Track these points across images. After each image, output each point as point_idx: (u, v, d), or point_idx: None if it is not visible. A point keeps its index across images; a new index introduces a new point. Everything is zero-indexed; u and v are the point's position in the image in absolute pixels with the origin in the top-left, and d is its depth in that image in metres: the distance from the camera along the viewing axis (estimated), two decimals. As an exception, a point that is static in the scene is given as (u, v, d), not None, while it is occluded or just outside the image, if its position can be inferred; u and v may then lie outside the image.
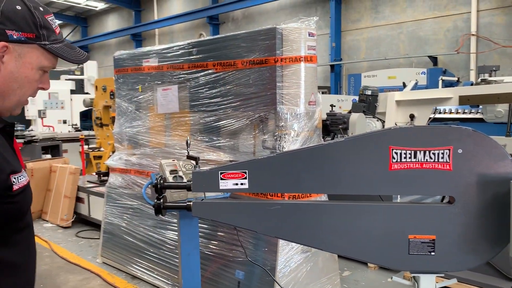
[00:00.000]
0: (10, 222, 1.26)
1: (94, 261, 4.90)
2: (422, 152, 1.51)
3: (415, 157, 1.51)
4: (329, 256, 3.46)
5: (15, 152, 1.34)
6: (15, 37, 1.23)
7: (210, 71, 3.62)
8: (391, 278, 1.70)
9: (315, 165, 1.53)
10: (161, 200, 1.73)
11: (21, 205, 1.29)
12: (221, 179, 1.60)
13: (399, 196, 4.21)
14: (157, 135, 4.27)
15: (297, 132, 3.16)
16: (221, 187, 1.60)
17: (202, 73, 3.69)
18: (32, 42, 1.27)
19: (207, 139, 3.72)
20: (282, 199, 2.97)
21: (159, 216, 1.94)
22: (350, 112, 5.45)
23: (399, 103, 5.48)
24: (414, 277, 1.61)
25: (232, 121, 3.52)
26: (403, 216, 1.57)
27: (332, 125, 4.67)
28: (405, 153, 1.51)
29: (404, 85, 8.70)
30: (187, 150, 1.81)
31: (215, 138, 3.66)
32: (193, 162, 1.81)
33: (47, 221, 6.66)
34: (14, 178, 1.23)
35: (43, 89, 1.37)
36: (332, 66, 15.23)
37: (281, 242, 3.14)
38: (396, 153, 1.52)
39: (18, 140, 8.58)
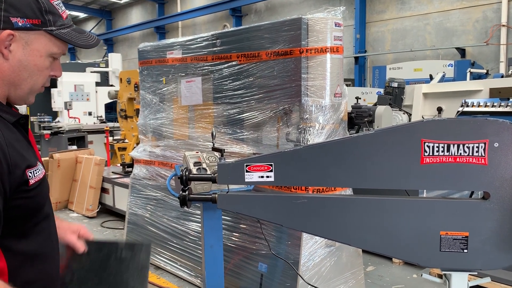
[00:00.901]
0: (29, 215, 1.26)
1: (118, 251, 4.96)
2: (456, 145, 1.45)
3: (448, 150, 1.45)
4: (353, 251, 3.42)
5: (31, 145, 1.33)
6: (20, 24, 1.20)
7: (233, 63, 3.59)
8: (421, 275, 1.65)
9: (344, 158, 1.49)
10: (186, 192, 1.72)
11: (38, 199, 1.28)
12: (247, 171, 1.57)
13: (425, 191, 4.12)
14: (180, 127, 4.28)
15: (322, 125, 3.11)
16: (246, 180, 1.57)
17: (225, 65, 3.66)
18: (38, 29, 1.23)
19: (230, 132, 3.71)
20: (306, 193, 2.93)
21: (184, 208, 1.93)
22: (375, 104, 5.36)
23: (426, 96, 5.35)
24: (445, 274, 1.56)
25: (256, 114, 3.49)
26: (435, 211, 1.52)
27: (357, 118, 4.59)
28: (438, 147, 1.46)
29: (431, 78, 8.50)
30: (213, 142, 1.78)
31: (238, 131, 3.64)
32: (217, 154, 1.79)
33: (73, 210, 6.79)
34: (30, 172, 1.22)
35: (55, 76, 1.35)
36: (356, 58, 15.02)
37: (304, 236, 3.11)
38: (428, 146, 1.47)
39: (45, 131, 8.77)
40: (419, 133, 1.48)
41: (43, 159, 1.73)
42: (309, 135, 3.11)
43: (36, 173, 1.25)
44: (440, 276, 1.67)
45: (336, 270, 3.30)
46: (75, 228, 1.51)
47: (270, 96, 3.34)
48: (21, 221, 1.23)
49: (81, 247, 1.45)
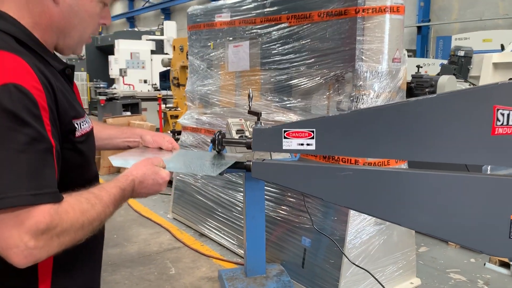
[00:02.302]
0: (76, 171, 1.18)
1: (165, 216, 5.01)
2: (539, 113, 1.19)
3: (528, 120, 1.20)
4: (406, 230, 3.18)
5: (76, 97, 1.25)
6: None
7: (283, 25, 3.36)
8: (484, 264, 1.42)
9: (399, 126, 1.27)
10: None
11: (86, 155, 1.20)
12: (285, 137, 1.40)
13: (489, 167, 3.75)
14: (227, 94, 4.15)
15: (377, 93, 2.85)
16: (284, 147, 1.40)
17: (275, 27, 3.45)
18: None
19: (277, 99, 3.52)
20: (352, 165, 2.72)
21: (222, 175, 1.79)
22: (438, 75, 4.94)
23: (496, 66, 4.86)
24: (514, 266, 1.32)
25: (305, 80, 3.27)
26: (506, 191, 1.27)
27: (417, 88, 4.24)
28: (515, 115, 1.20)
29: (502, 48, 7.78)
30: (249, 105, 1.61)
31: (285, 98, 3.45)
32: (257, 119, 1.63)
33: (125, 175, 6.95)
34: (77, 123, 1.14)
35: (105, 24, 1.28)
36: (419, 28, 14.16)
37: (352, 212, 2.91)
38: (503, 114, 1.21)
39: (100, 97, 9.00)
40: (492, 98, 1.22)
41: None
42: (363, 104, 2.87)
43: (83, 125, 1.18)
44: (505, 265, 1.43)
45: (385, 249, 3.09)
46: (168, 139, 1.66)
47: (321, 61, 3.11)
48: (68, 177, 1.13)
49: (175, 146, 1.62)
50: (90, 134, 1.23)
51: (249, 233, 3.06)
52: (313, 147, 1.38)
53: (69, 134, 1.12)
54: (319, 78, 3.16)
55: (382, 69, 2.85)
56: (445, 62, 9.67)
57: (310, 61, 3.20)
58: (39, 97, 1.00)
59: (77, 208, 1.03)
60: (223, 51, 4.14)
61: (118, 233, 4.47)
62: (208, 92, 4.38)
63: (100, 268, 1.40)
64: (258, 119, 1.47)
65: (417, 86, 4.31)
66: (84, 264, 1.27)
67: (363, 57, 2.85)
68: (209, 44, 4.30)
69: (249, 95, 1.61)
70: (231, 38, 4.00)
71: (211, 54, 4.32)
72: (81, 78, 16.84)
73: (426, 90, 4.24)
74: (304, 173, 1.43)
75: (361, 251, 2.96)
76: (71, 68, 1.22)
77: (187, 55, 7.79)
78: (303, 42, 3.23)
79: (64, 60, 1.26)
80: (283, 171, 1.45)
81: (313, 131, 1.37)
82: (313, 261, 3.15)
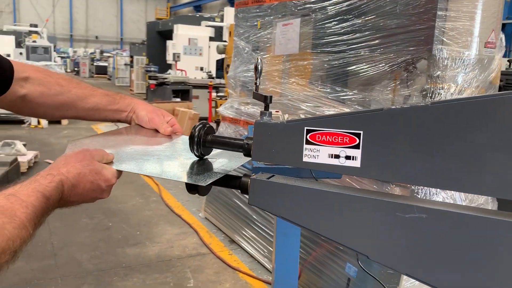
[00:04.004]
0: None
1: (197, 214, 4.53)
2: None
3: None
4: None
5: None
6: None
7: (342, -2, 2.71)
8: None
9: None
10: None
11: None
12: (308, 142, 0.79)
13: None
14: (271, 82, 3.55)
15: (460, 87, 2.14)
16: (305, 159, 0.79)
17: (331, 1, 2.80)
18: None
19: (329, 90, 2.88)
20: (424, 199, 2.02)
21: (205, 195, 1.17)
22: (532, 74, 4.03)
23: None
24: None
25: (365, 67, 2.60)
26: None
27: (507, 87, 3.41)
28: None
29: None
30: (256, 82, 0.99)
31: (339, 89, 2.80)
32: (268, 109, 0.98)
33: (165, 164, 6.58)
34: None
35: None
36: (503, 25, 12.74)
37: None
38: None
39: (150, 81, 8.70)
40: None
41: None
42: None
43: None
44: None
45: (454, 292, 2.37)
46: (168, 119, 1.24)
47: (388, 42, 2.43)
48: None
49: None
50: None
51: (279, 253, 2.46)
52: (357, 163, 0.76)
53: None
54: (383, 64, 2.48)
55: (470, 56, 2.13)
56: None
57: (373, 42, 2.52)
58: None
59: None
60: (271, 31, 3.55)
61: (142, 229, 4.03)
62: (251, 78, 3.80)
63: None
64: (267, 107, 0.86)
65: (507, 85, 3.48)
66: None
67: (444, 39, 2.14)
68: (256, 22, 3.72)
69: (256, 67, 1.00)
70: (280, 16, 3.39)
71: (257, 35, 3.74)
72: (141, 62, 16.92)
73: (519, 90, 3.40)
74: (343, 206, 0.81)
75: (422, 293, 2.28)
76: None
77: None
78: (366, 18, 2.56)
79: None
80: (304, 199, 0.83)
81: (359, 135, 0.75)
82: (358, 296, 2.50)
